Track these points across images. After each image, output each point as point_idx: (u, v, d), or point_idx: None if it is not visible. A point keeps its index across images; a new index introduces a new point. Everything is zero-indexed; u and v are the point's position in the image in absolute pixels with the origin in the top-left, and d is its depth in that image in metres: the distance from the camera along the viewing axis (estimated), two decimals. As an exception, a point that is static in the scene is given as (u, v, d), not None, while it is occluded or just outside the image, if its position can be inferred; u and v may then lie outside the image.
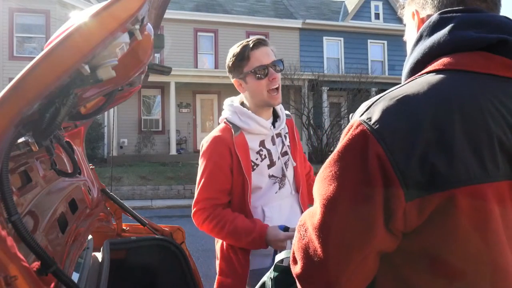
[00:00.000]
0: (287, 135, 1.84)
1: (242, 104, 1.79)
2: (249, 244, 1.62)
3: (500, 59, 0.75)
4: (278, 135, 1.79)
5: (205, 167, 1.68)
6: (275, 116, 1.83)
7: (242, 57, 1.66)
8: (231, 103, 1.79)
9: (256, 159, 1.71)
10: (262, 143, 1.74)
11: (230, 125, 1.71)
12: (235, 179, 1.67)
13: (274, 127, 1.78)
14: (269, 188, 1.73)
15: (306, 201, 1.83)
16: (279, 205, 1.75)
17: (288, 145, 1.82)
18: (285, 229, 1.61)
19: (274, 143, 1.77)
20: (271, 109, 1.80)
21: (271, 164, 1.74)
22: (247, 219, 1.65)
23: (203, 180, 1.68)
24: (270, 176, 1.74)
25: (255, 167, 1.70)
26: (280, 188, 1.75)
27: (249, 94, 1.73)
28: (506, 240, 0.69)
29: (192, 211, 1.72)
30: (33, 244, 0.93)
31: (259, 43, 1.67)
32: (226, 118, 1.75)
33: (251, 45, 1.66)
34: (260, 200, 1.72)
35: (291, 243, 1.55)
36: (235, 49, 1.70)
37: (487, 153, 0.69)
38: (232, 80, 1.75)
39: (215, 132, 1.73)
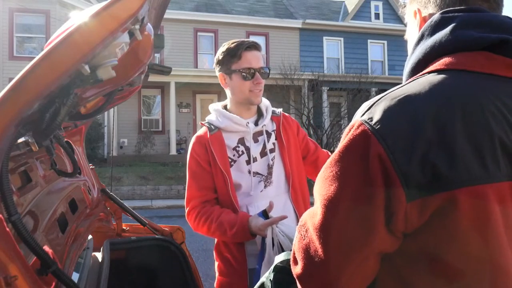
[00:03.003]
0: (273, 132, 1.83)
1: (226, 106, 1.85)
2: (234, 236, 1.64)
3: (502, 59, 0.75)
4: (261, 132, 1.79)
5: (188, 167, 1.78)
6: (261, 115, 1.84)
7: (233, 55, 1.71)
8: (213, 106, 1.86)
9: (234, 155, 1.75)
10: (241, 141, 1.77)
11: (207, 125, 1.79)
12: (215, 175, 1.71)
13: (257, 125, 1.79)
14: (253, 187, 1.73)
15: (300, 199, 1.80)
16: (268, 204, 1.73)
17: (273, 143, 1.81)
18: (264, 212, 1.63)
19: (256, 141, 1.78)
20: (253, 108, 1.82)
21: (250, 160, 1.75)
22: (232, 213, 1.68)
23: (188, 179, 1.77)
24: (252, 173, 1.74)
25: (232, 163, 1.74)
26: (265, 186, 1.75)
27: (231, 91, 1.78)
28: (507, 241, 0.69)
29: (186, 212, 1.77)
30: (33, 244, 0.93)
31: (253, 46, 1.72)
32: (206, 119, 1.83)
33: (245, 46, 1.71)
34: (245, 199, 1.73)
35: (273, 230, 1.56)
36: (229, 45, 1.74)
37: (489, 153, 0.68)
38: (218, 74, 1.80)
39: (198, 132, 1.83)
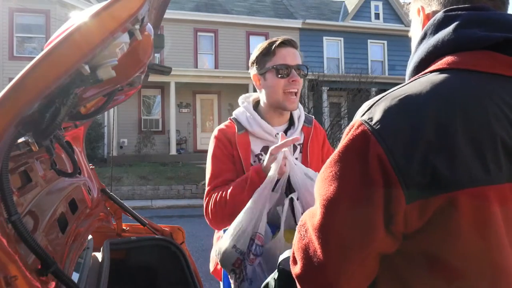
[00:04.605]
0: (299, 146, 1.70)
1: (258, 103, 1.72)
2: (250, 186, 1.47)
3: (505, 59, 0.74)
4: None
5: (212, 155, 1.64)
6: (291, 124, 1.71)
7: (267, 52, 1.60)
8: (243, 101, 1.73)
9: (254, 161, 1.63)
10: (265, 149, 1.63)
11: (235, 122, 1.67)
12: (238, 172, 1.60)
13: (286, 134, 1.65)
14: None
15: None
16: None
17: (296, 157, 1.67)
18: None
19: None
20: (286, 114, 1.70)
21: None
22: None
23: (209, 173, 1.63)
24: None
25: None
26: None
27: (265, 92, 1.64)
28: (508, 242, 0.68)
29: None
30: (33, 244, 0.93)
31: (288, 42, 1.62)
32: (234, 115, 1.70)
33: (278, 42, 1.60)
34: None
35: (288, 161, 1.44)
36: (262, 44, 1.64)
37: (490, 154, 0.68)
38: (252, 76, 1.68)
39: (221, 126, 1.71)
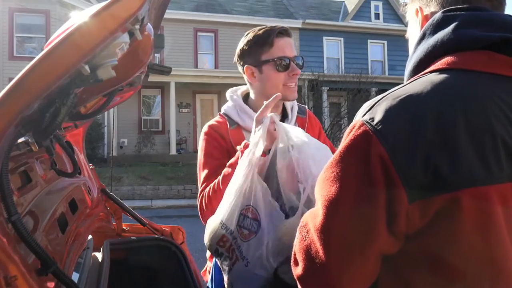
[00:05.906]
0: None
1: (247, 96, 1.63)
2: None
3: (503, 58, 0.74)
4: None
5: (204, 152, 1.54)
6: (285, 116, 1.62)
7: (264, 42, 1.47)
8: (232, 95, 1.63)
9: None
10: None
11: (226, 117, 1.57)
12: None
13: None
14: None
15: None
16: None
17: None
18: None
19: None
20: (279, 106, 1.60)
21: None
22: None
23: (203, 174, 1.52)
24: None
25: None
26: None
27: (261, 85, 1.52)
28: (510, 242, 0.68)
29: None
30: (33, 244, 0.93)
31: (285, 32, 1.49)
32: (223, 110, 1.61)
33: (276, 32, 1.46)
34: None
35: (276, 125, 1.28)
36: (255, 32, 1.50)
37: (491, 154, 0.68)
38: (243, 68, 1.55)
39: (211, 121, 1.61)
